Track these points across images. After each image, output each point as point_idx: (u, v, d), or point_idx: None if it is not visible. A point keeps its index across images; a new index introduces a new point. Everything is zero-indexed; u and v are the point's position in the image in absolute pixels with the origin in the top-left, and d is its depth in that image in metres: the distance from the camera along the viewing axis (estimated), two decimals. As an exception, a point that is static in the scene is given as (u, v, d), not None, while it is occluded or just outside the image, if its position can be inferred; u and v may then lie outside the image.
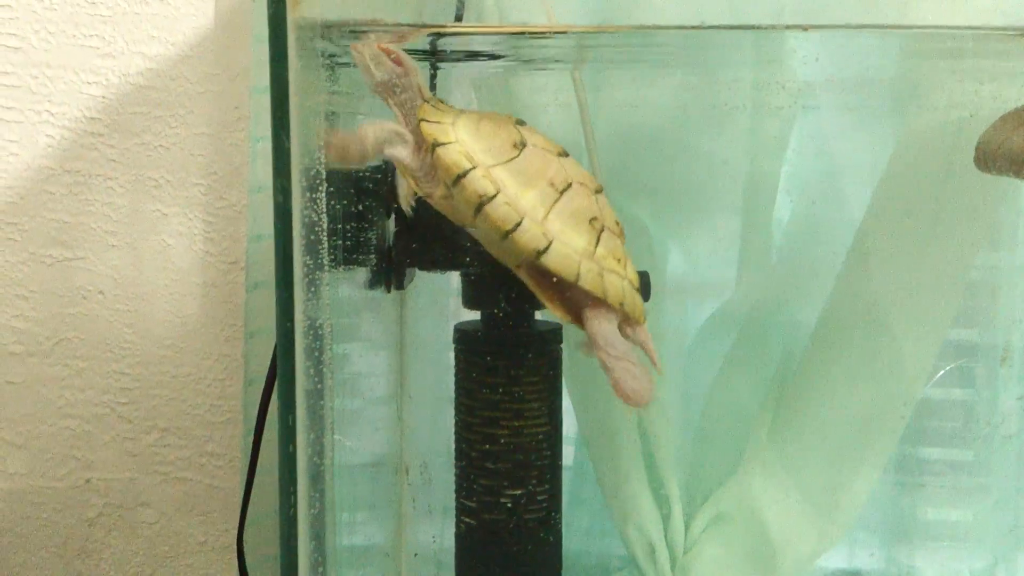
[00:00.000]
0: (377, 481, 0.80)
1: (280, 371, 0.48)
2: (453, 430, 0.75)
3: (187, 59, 0.97)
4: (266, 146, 0.90)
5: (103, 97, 0.97)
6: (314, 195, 0.50)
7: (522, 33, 0.66)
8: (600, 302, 0.62)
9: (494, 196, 0.59)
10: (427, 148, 0.59)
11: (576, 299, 0.63)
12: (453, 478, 0.76)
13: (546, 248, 0.60)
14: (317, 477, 0.50)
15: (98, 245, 0.98)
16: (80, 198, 0.98)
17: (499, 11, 0.73)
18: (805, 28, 0.62)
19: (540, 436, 0.73)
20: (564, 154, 0.65)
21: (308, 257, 0.50)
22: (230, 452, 1.02)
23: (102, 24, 0.96)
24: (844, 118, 0.84)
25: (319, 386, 0.50)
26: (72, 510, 1.02)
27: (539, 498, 0.73)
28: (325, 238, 0.51)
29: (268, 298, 0.93)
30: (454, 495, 0.75)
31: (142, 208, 0.98)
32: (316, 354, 0.50)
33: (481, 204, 0.59)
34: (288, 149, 0.48)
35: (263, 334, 0.91)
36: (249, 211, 0.94)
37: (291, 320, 0.49)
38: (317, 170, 0.51)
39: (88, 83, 0.96)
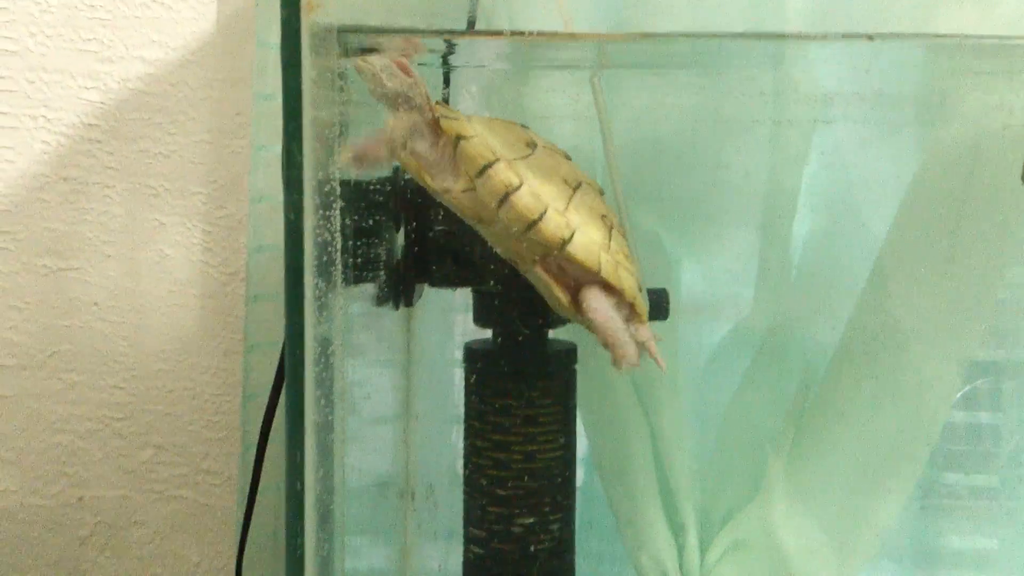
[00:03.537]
0: (381, 505, 0.77)
1: (288, 403, 0.45)
2: (461, 453, 0.72)
3: (188, 64, 0.95)
4: (268, 155, 0.88)
5: (101, 103, 0.94)
6: (327, 212, 0.47)
7: (538, 38, 0.64)
8: (607, 290, 0.63)
9: (519, 187, 0.60)
10: (446, 143, 0.60)
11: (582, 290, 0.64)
12: (460, 503, 0.73)
13: (570, 237, 0.61)
14: (326, 517, 0.47)
15: (94, 255, 0.96)
16: (76, 206, 0.96)
17: (509, 17, 0.71)
18: (871, 37, 0.60)
19: (554, 461, 0.70)
20: (568, 158, 0.66)
21: (320, 279, 0.47)
22: (227, 470, 1.00)
23: (101, 28, 0.94)
24: (867, 130, 0.81)
25: (329, 418, 0.47)
26: (64, 528, 0.99)
27: (552, 527, 0.70)
28: (338, 258, 0.48)
29: (268, 311, 0.91)
30: (462, 521, 0.72)
31: (139, 217, 0.96)
32: (327, 384, 0.47)
33: (507, 194, 0.60)
34: (301, 163, 0.45)
35: (263, 347, 0.89)
36: (250, 221, 0.92)
37: (301, 348, 0.46)
38: (331, 185, 0.48)
39: (86, 88, 0.94)
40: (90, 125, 0.95)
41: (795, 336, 0.83)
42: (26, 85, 0.94)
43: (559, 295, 0.63)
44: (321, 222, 0.47)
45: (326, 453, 0.47)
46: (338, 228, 0.48)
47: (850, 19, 0.65)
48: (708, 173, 0.81)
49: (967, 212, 0.77)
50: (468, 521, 0.72)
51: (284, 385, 0.46)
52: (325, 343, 0.47)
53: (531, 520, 0.69)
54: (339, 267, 0.48)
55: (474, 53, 0.68)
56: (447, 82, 0.69)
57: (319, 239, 0.47)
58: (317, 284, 0.47)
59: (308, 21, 0.44)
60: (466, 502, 0.71)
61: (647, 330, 0.66)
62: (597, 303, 0.62)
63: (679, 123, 0.80)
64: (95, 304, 0.97)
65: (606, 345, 0.64)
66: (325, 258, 0.47)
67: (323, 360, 0.47)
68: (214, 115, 0.95)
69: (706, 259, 0.84)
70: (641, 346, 0.66)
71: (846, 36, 0.62)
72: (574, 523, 0.73)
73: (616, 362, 0.64)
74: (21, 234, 0.96)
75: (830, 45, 0.68)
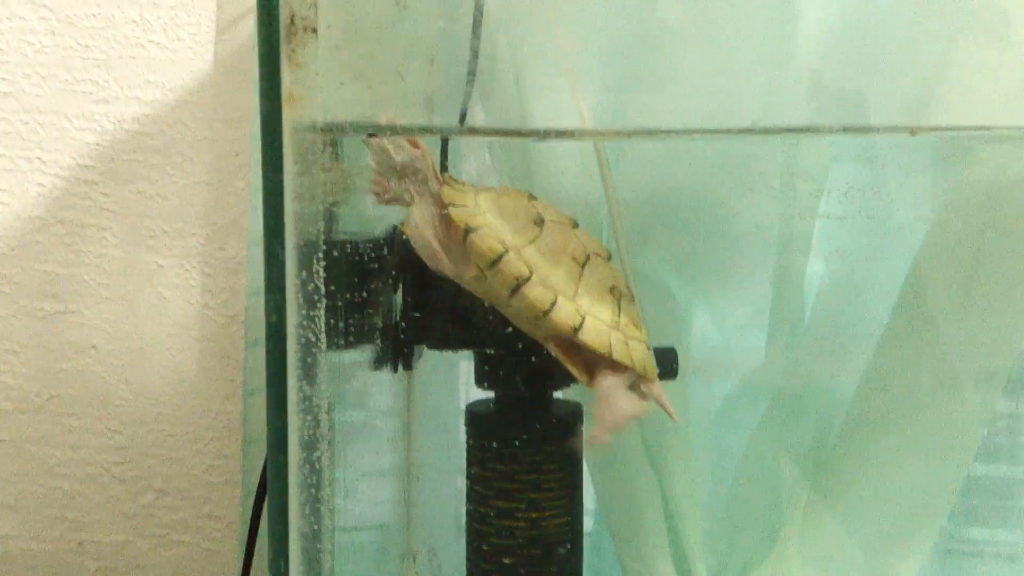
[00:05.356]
0: (381, 570, 0.75)
1: (271, 512, 0.43)
2: (464, 518, 0.70)
3: (185, 104, 0.93)
4: (268, 195, 0.86)
5: (97, 144, 0.93)
6: (311, 312, 0.45)
7: (532, 135, 0.64)
8: (616, 366, 0.63)
9: (529, 278, 0.60)
10: (456, 231, 0.60)
11: (593, 360, 0.63)
12: (463, 564, 0.70)
13: (581, 324, 0.61)
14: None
15: (91, 298, 0.94)
16: (73, 249, 0.94)
17: (519, 89, 0.69)
18: (913, 132, 0.58)
19: (560, 528, 0.68)
20: (575, 225, 0.65)
21: (305, 383, 0.44)
22: (228, 514, 0.98)
23: (96, 68, 0.92)
24: (882, 173, 0.78)
25: (316, 527, 0.44)
26: (64, 574, 0.97)
27: (559, 596, 0.68)
28: (323, 357, 0.46)
29: (270, 354, 0.89)
30: (465, 588, 0.70)
31: (137, 259, 0.94)
32: (313, 491, 0.45)
33: (518, 286, 0.60)
34: (283, 261, 0.43)
35: (263, 391, 0.86)
36: (249, 263, 0.90)
37: (284, 452, 0.43)
38: (316, 285, 0.45)
39: (81, 129, 0.93)
40: (86, 167, 0.93)
41: (809, 387, 0.80)
42: (20, 127, 0.92)
43: (572, 370, 0.62)
44: (305, 321, 0.45)
45: (313, 563, 0.44)
46: (322, 329, 0.45)
47: (852, 111, 0.64)
48: (719, 223, 0.78)
49: (986, 260, 0.74)
50: (471, 590, 0.69)
51: (267, 491, 0.44)
52: (310, 447, 0.45)
53: (537, 590, 0.67)
54: (324, 367, 0.46)
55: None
56: (444, 154, 0.67)
57: (303, 340, 0.45)
58: (301, 387, 0.44)
59: (290, 115, 0.41)
60: (469, 570, 0.69)
61: (658, 386, 0.66)
62: (614, 392, 0.63)
63: (689, 174, 0.77)
64: (93, 347, 0.95)
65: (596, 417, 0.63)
66: (309, 359, 0.45)
67: (308, 465, 0.45)
68: (212, 156, 0.93)
69: (717, 308, 0.82)
70: (656, 400, 0.65)
71: (848, 130, 0.61)
72: (581, 591, 0.70)
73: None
74: (17, 277, 0.94)
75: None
